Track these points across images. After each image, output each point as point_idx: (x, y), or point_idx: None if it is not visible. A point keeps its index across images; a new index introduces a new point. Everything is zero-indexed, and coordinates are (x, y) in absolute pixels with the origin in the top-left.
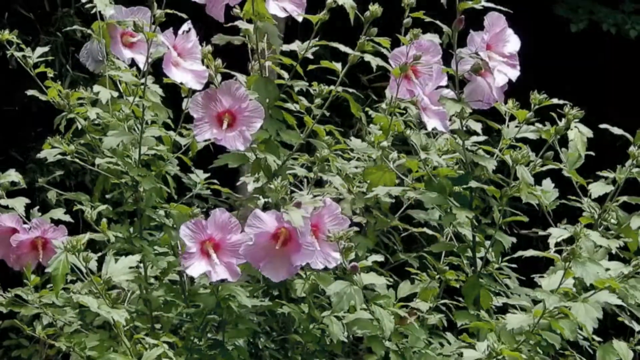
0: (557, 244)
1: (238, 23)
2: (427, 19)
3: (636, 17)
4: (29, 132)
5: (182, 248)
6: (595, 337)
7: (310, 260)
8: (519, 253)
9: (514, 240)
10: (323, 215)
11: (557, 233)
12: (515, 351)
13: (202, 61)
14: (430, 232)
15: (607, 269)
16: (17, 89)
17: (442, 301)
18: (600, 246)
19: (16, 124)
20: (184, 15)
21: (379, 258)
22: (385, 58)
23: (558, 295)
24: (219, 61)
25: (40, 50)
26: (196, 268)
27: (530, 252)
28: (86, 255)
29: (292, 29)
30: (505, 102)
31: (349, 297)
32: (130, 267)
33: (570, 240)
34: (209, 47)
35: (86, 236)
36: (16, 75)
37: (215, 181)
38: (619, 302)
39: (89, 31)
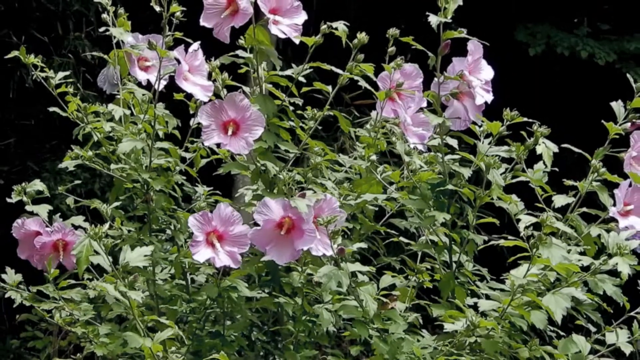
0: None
1: (239, 52)
2: (415, 46)
3: (587, 39)
4: (44, 145)
5: (187, 250)
6: (559, 330)
7: (311, 245)
8: (491, 243)
9: (486, 238)
10: (323, 208)
11: (527, 219)
12: (487, 337)
13: (210, 75)
14: (409, 241)
15: (580, 260)
16: (33, 105)
17: (420, 302)
18: (569, 250)
19: (32, 138)
20: (191, 41)
21: (363, 245)
22: (369, 78)
23: (526, 281)
24: (225, 75)
25: (61, 74)
26: (202, 254)
27: (501, 242)
28: (107, 242)
29: (282, 53)
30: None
31: (337, 277)
32: (145, 255)
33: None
34: (217, 62)
35: (106, 225)
36: (32, 93)
37: (218, 192)
38: (585, 297)
39: (104, 56)
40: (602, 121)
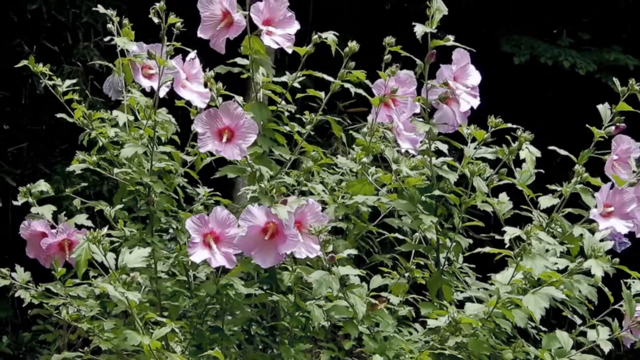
0: (509, 247)
1: (237, 60)
2: (403, 54)
3: (570, 50)
4: (54, 149)
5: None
6: (541, 326)
7: (295, 249)
8: (478, 250)
9: (471, 241)
10: (305, 212)
11: (511, 231)
12: (472, 336)
13: (205, 84)
14: (401, 237)
15: (555, 263)
16: (44, 111)
17: (411, 296)
18: (548, 250)
19: (43, 142)
20: (189, 50)
21: (353, 252)
22: (364, 85)
23: (510, 287)
24: (220, 84)
25: (68, 82)
26: (199, 255)
27: (487, 249)
28: (105, 245)
29: (280, 61)
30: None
31: (327, 282)
32: (143, 257)
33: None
34: (211, 73)
35: (104, 229)
36: (43, 100)
37: (218, 193)
38: (563, 296)
39: (110, 65)
40: (587, 125)
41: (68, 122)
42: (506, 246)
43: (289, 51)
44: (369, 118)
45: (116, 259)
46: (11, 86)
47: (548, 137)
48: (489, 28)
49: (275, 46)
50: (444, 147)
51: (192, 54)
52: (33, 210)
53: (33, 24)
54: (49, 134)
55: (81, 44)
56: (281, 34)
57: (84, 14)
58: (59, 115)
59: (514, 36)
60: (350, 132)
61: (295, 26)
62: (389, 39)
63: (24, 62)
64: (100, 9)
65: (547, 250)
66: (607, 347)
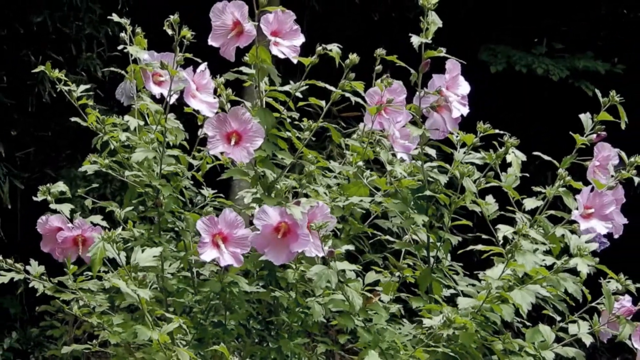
0: (502, 245)
1: (243, 68)
2: (398, 63)
3: (543, 58)
4: (60, 154)
5: (194, 247)
6: (525, 320)
7: (306, 248)
8: (470, 247)
9: (460, 239)
10: (316, 213)
11: (504, 228)
12: (462, 329)
13: (215, 91)
14: (391, 238)
15: (543, 260)
16: (50, 118)
17: (403, 294)
18: (536, 249)
19: (49, 147)
20: (199, 60)
21: (350, 247)
22: (357, 92)
23: (502, 282)
24: (229, 90)
25: (83, 87)
26: (208, 254)
27: (479, 247)
28: (119, 244)
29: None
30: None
31: (326, 276)
32: (154, 256)
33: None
34: (222, 80)
35: (119, 229)
36: (49, 107)
37: (222, 195)
38: (547, 293)
39: (122, 72)
40: (570, 132)
41: (72, 128)
42: (500, 243)
43: (294, 61)
44: (361, 125)
45: (127, 257)
46: (18, 95)
47: (539, 139)
48: (468, 39)
49: (282, 56)
50: (432, 152)
51: (203, 66)
52: (52, 207)
53: (39, 36)
54: (54, 139)
55: (84, 54)
56: (287, 45)
57: (87, 26)
58: (73, 119)
59: (491, 45)
60: (345, 137)
61: (301, 39)
62: (380, 51)
63: (40, 68)
64: (115, 17)
65: (535, 250)
66: (588, 340)
